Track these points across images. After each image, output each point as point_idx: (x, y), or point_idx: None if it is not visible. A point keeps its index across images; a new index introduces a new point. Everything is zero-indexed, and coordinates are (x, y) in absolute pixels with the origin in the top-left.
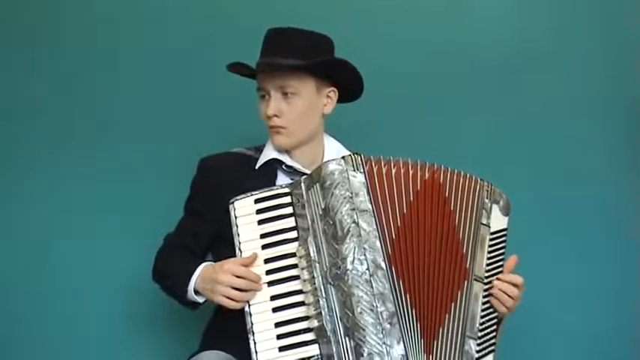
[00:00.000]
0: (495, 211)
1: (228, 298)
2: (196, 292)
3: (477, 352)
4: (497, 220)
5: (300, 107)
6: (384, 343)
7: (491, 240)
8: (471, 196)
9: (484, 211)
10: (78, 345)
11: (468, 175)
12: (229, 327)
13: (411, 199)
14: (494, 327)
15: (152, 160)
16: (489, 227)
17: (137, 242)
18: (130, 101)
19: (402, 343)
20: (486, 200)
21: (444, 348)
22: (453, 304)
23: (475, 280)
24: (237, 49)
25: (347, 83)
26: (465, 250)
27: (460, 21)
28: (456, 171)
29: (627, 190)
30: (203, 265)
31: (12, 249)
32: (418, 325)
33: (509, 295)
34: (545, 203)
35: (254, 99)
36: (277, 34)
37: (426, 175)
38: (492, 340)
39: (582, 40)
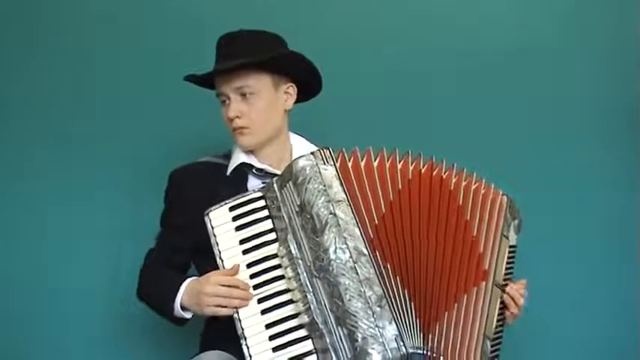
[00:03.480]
0: (512, 227)
1: (218, 306)
2: (183, 308)
3: (491, 352)
4: (512, 237)
5: (259, 106)
6: (377, 325)
7: (508, 253)
8: (489, 203)
9: (506, 224)
10: (76, 346)
11: (484, 182)
12: (227, 328)
13: (400, 186)
14: (501, 336)
15: (152, 159)
16: (509, 240)
17: (137, 242)
18: (130, 102)
19: (393, 323)
20: (509, 215)
21: (459, 339)
22: (465, 296)
23: (495, 285)
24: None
25: (303, 77)
26: (482, 250)
27: (462, 21)
28: (470, 174)
29: (627, 190)
30: (187, 281)
31: (11, 249)
32: (412, 305)
33: (515, 303)
34: (546, 203)
35: None
36: (228, 39)
37: (421, 165)
38: (499, 347)
39: (583, 40)
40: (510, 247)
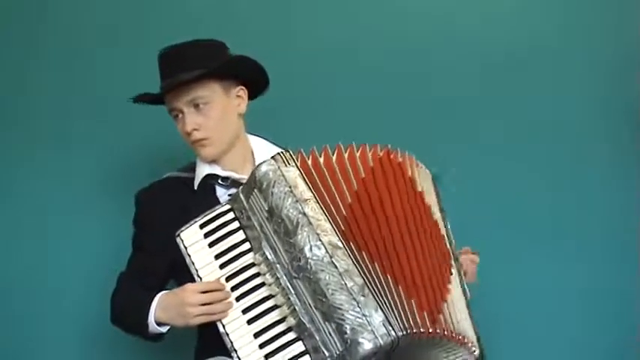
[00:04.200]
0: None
1: (206, 314)
2: (160, 323)
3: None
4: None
5: (215, 114)
6: (363, 314)
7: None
8: (429, 181)
9: (438, 197)
10: (76, 346)
11: (418, 162)
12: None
13: (363, 175)
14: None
15: (152, 160)
16: (445, 212)
17: None
18: (131, 103)
19: (379, 310)
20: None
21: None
22: (452, 277)
23: (456, 260)
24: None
25: (252, 78)
26: (443, 232)
27: (462, 21)
28: (410, 155)
29: (627, 189)
30: (159, 294)
31: (11, 249)
32: (400, 288)
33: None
34: (546, 203)
35: None
36: (169, 52)
37: (379, 153)
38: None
39: (583, 40)
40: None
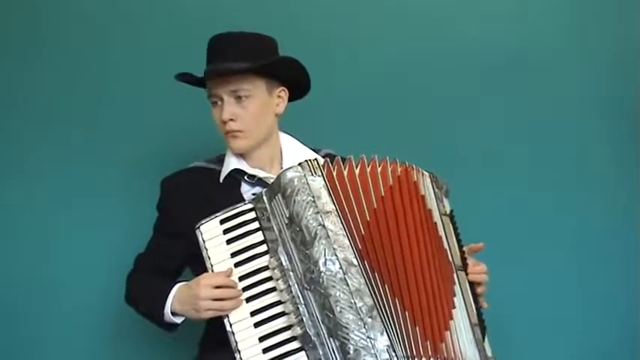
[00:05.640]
0: (444, 197)
1: (217, 309)
2: (174, 313)
3: (481, 334)
4: (447, 205)
5: (254, 109)
6: (368, 337)
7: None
8: (432, 191)
9: (440, 202)
10: (76, 347)
11: (421, 171)
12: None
13: (382, 194)
14: (481, 309)
15: (153, 159)
16: (447, 215)
17: (137, 243)
18: (131, 102)
19: (385, 334)
20: (437, 190)
21: (456, 339)
22: (455, 299)
23: (458, 270)
24: None
25: (296, 81)
26: (446, 245)
27: (462, 22)
28: (418, 168)
29: (627, 190)
30: (177, 286)
31: (11, 249)
32: (407, 314)
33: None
34: (546, 203)
35: None
36: (222, 39)
37: (399, 171)
38: (483, 320)
39: (583, 40)
40: (450, 215)
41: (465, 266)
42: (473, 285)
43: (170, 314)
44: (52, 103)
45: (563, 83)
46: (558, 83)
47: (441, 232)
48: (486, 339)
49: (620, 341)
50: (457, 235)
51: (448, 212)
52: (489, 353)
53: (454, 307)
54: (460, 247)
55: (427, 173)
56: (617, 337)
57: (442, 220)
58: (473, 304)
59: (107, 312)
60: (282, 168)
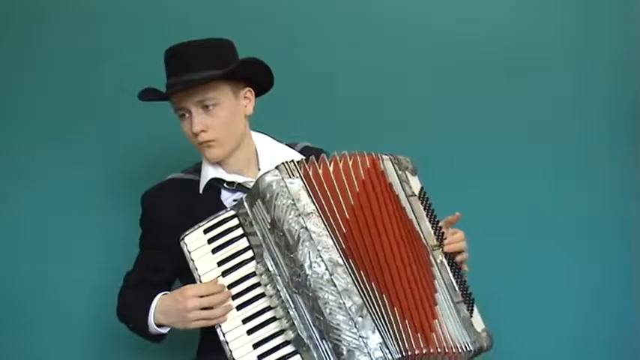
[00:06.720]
0: (409, 177)
1: (205, 319)
2: (161, 325)
3: (468, 311)
4: (414, 184)
5: (224, 116)
6: (360, 336)
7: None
8: (396, 174)
9: (406, 184)
10: (76, 347)
11: (387, 156)
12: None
13: (357, 189)
14: (465, 280)
15: (152, 160)
16: (415, 195)
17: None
18: (131, 102)
19: (376, 331)
20: (400, 172)
21: (444, 324)
22: (436, 282)
23: (433, 249)
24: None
25: (260, 80)
26: (417, 227)
27: (462, 22)
28: (379, 155)
29: (627, 190)
30: (158, 296)
31: (11, 249)
32: (396, 309)
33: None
34: (546, 203)
35: None
36: (179, 49)
37: (367, 163)
38: (469, 291)
39: (583, 41)
40: (420, 194)
41: (441, 241)
42: (453, 256)
43: (155, 326)
44: (52, 104)
45: (563, 83)
46: (558, 83)
47: (411, 216)
48: (475, 310)
49: (619, 340)
50: (431, 212)
51: (417, 192)
52: (480, 327)
53: (436, 291)
54: (435, 222)
55: (387, 157)
56: (617, 336)
57: (410, 202)
58: (453, 279)
59: (106, 314)
60: (259, 169)
